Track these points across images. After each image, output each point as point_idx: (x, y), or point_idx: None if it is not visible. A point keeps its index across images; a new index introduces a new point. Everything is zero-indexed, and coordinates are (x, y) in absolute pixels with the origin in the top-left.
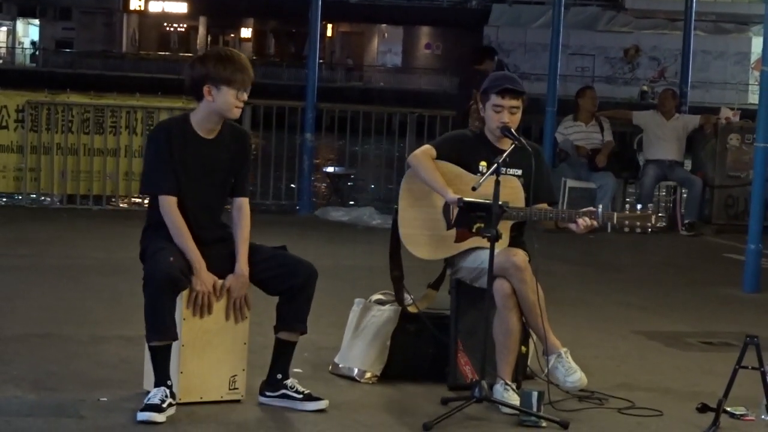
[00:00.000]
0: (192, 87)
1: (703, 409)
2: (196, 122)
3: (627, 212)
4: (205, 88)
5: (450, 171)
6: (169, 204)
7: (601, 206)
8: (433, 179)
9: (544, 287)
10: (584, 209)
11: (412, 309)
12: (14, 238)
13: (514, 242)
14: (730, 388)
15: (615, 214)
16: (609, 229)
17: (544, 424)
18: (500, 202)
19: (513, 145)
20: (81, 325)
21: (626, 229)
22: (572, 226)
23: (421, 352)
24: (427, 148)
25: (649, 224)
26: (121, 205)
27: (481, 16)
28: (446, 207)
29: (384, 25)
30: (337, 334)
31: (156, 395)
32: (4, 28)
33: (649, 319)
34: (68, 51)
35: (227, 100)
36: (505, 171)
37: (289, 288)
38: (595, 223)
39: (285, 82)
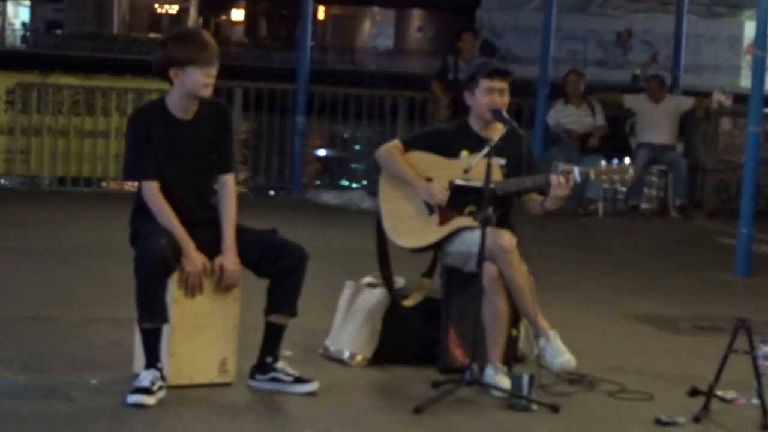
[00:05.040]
0: (159, 72)
1: (694, 393)
2: (172, 104)
3: (603, 166)
4: (172, 72)
5: (424, 159)
6: (151, 189)
7: (576, 168)
8: (400, 171)
9: (534, 270)
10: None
11: (407, 303)
12: (4, 220)
13: (501, 223)
14: (720, 372)
15: (591, 170)
16: (601, 212)
17: (534, 407)
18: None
19: (506, 129)
20: (71, 307)
21: (605, 184)
22: (550, 193)
23: (412, 334)
24: (393, 143)
25: (628, 176)
26: (111, 187)
27: None
28: None
29: (376, 7)
30: (327, 317)
31: (146, 378)
32: None
33: (640, 302)
34: (59, 32)
35: (195, 80)
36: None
37: (278, 271)
38: (568, 181)
39: (276, 65)
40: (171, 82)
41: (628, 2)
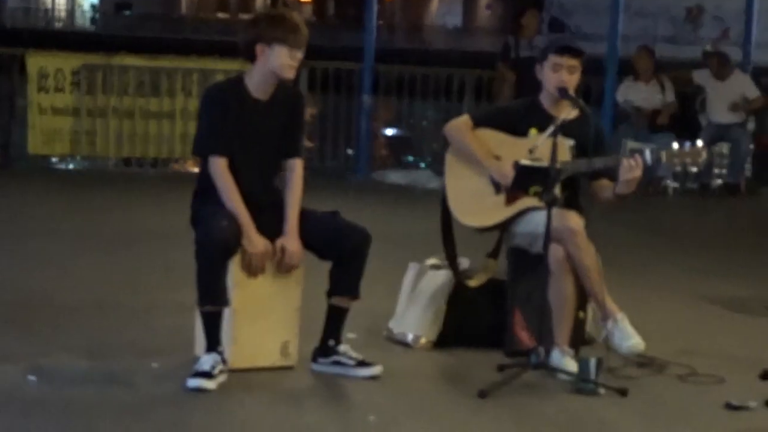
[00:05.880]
0: (245, 49)
1: (766, 376)
2: (251, 84)
3: (676, 149)
4: (258, 47)
5: (493, 137)
6: (219, 166)
7: (648, 150)
8: (469, 148)
9: (601, 251)
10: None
11: (473, 283)
12: (69, 202)
13: (569, 204)
14: None
15: (663, 151)
16: (670, 192)
17: (601, 391)
18: (558, 165)
19: (576, 111)
20: (134, 292)
21: (678, 168)
22: (621, 173)
23: (477, 317)
24: (463, 118)
25: (701, 159)
26: (176, 168)
27: None
28: None
29: None
30: (391, 300)
31: (207, 362)
32: None
33: (711, 283)
34: (127, 13)
35: (280, 59)
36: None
37: (341, 252)
38: (640, 162)
39: (345, 44)
40: (253, 61)
41: None
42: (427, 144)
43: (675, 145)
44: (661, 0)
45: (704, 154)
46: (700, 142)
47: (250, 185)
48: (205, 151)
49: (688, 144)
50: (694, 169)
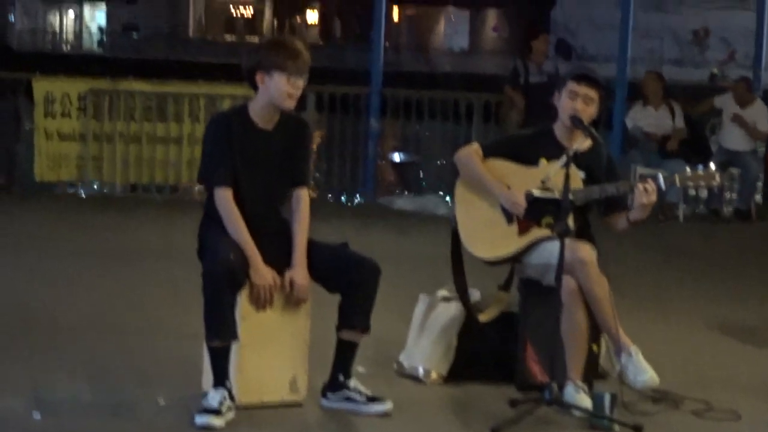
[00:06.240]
0: (247, 76)
1: None
2: (254, 112)
3: (689, 173)
4: (258, 75)
5: (503, 167)
6: (224, 196)
7: (660, 174)
8: (480, 176)
9: (611, 276)
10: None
11: (484, 317)
12: (75, 226)
13: (581, 234)
14: None
15: (676, 176)
16: (681, 218)
17: (616, 428)
18: (570, 196)
19: (589, 142)
20: (139, 317)
21: (692, 191)
22: (635, 198)
23: (488, 349)
24: (473, 147)
25: (715, 182)
26: (183, 194)
27: None
28: None
29: (450, 7)
30: (400, 328)
31: (214, 398)
32: (71, 13)
33: (722, 311)
34: (134, 36)
35: (279, 87)
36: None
37: (350, 285)
38: (654, 188)
39: (351, 65)
40: (255, 88)
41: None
42: (435, 168)
43: (688, 169)
44: (667, 21)
45: (717, 177)
46: (713, 165)
47: (255, 215)
48: (209, 180)
49: (701, 167)
50: (703, 193)
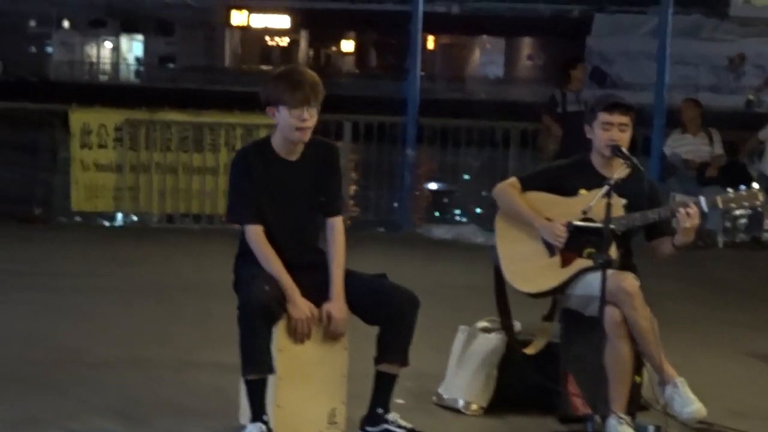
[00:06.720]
0: (265, 110)
1: None
2: (276, 144)
3: (731, 194)
4: (269, 110)
5: (542, 200)
6: (255, 233)
7: (702, 197)
8: (519, 210)
9: (651, 306)
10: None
11: (530, 351)
12: (110, 257)
13: (624, 264)
14: None
15: (718, 197)
16: (721, 245)
17: None
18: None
19: (628, 169)
20: (172, 350)
21: (736, 212)
22: (679, 222)
23: (529, 382)
24: (511, 181)
25: (758, 202)
26: (220, 224)
27: (583, 26)
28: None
29: (485, 36)
30: (439, 359)
31: None
32: (109, 44)
33: (761, 339)
34: (171, 66)
35: (286, 121)
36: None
37: (388, 317)
38: (697, 211)
39: (386, 94)
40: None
41: (740, 27)
42: (472, 197)
43: (729, 191)
44: (702, 49)
45: (761, 197)
46: (755, 185)
47: (288, 248)
48: (238, 219)
49: (743, 187)
50: (743, 220)
